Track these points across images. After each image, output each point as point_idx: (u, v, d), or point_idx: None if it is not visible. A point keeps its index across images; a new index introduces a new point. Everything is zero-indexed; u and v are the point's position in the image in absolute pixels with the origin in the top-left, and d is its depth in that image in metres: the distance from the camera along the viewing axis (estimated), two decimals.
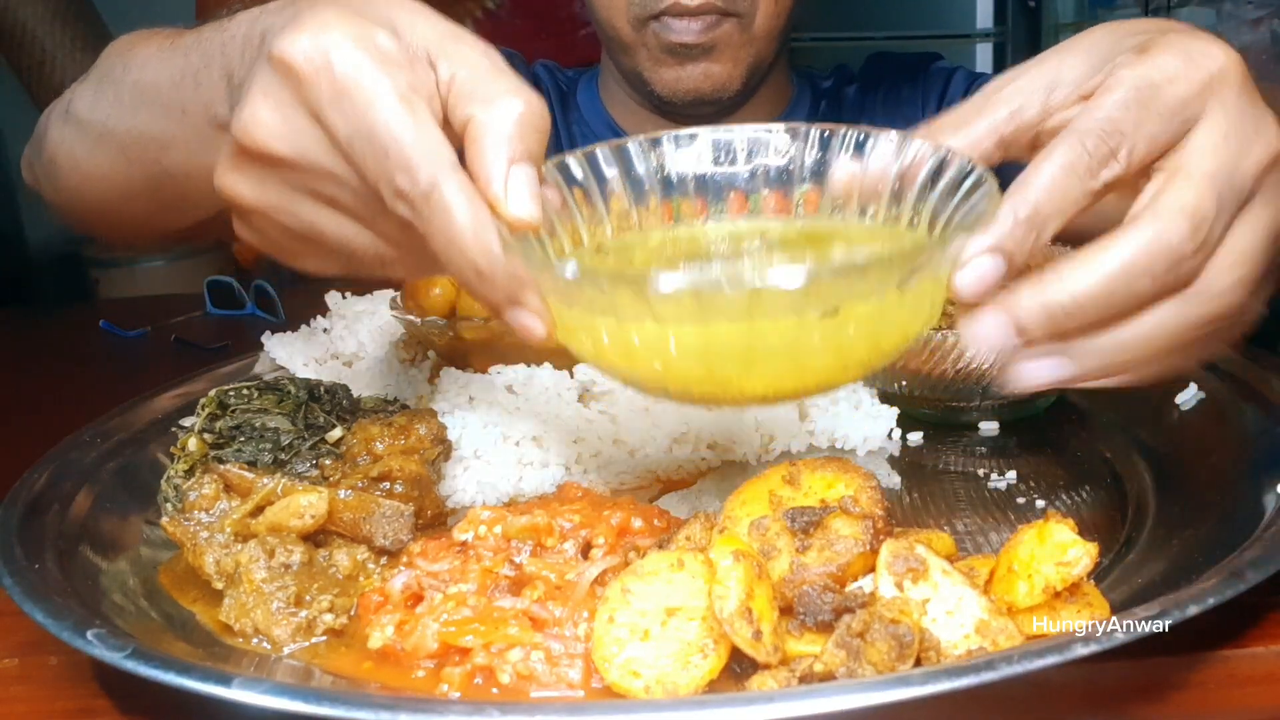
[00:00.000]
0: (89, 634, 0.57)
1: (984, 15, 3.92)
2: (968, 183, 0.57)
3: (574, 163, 0.63)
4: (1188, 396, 0.84)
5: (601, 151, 0.64)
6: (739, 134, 0.65)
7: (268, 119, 0.60)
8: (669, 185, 0.65)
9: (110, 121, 0.85)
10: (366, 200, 0.60)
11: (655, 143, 0.65)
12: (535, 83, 1.46)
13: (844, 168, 0.63)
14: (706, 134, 0.65)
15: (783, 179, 0.65)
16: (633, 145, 0.65)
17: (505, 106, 0.58)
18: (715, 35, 1.25)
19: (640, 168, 0.65)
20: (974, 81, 1.42)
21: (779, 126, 0.65)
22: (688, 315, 0.52)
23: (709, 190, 0.66)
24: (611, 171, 0.64)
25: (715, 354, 0.54)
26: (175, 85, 0.76)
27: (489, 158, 0.57)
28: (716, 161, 0.65)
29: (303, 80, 0.58)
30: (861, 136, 0.63)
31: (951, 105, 1.30)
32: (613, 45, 1.34)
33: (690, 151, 0.65)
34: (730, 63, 1.27)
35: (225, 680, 0.52)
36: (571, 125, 1.46)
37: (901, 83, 1.46)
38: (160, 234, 0.97)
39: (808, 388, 0.59)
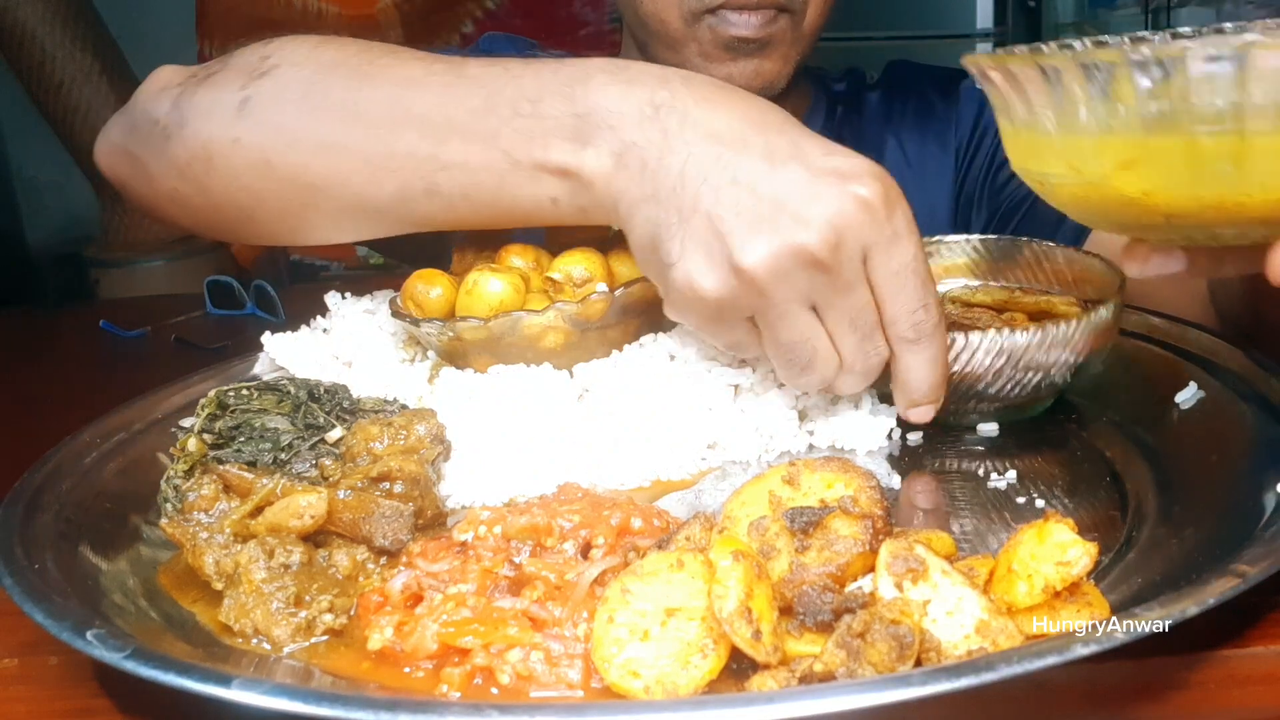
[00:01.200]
0: (89, 634, 0.57)
1: (984, 15, 3.92)
2: None
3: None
4: (1188, 396, 0.84)
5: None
6: None
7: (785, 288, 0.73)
8: None
9: (343, 137, 0.85)
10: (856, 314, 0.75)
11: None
12: None
13: None
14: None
15: None
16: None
17: None
18: (772, 31, 1.23)
19: None
20: None
21: None
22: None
23: None
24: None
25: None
26: (477, 113, 0.80)
27: None
28: None
29: (834, 256, 0.72)
30: None
31: (985, 130, 1.36)
32: (657, 41, 1.30)
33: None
34: (781, 60, 1.26)
35: (225, 680, 0.52)
36: None
37: (932, 97, 1.44)
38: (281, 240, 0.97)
39: None
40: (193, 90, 0.93)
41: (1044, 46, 0.66)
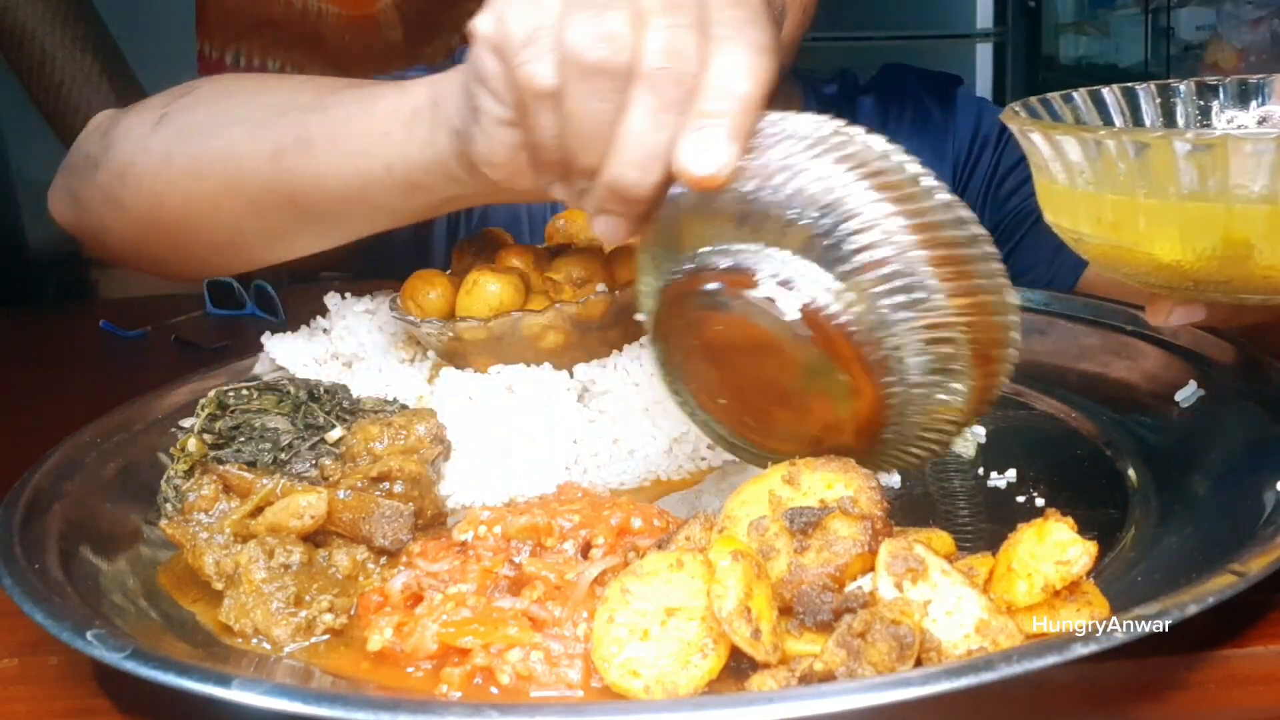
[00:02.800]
0: (89, 634, 0.57)
1: (984, 15, 3.92)
2: None
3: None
4: (1188, 394, 0.84)
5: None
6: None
7: None
8: None
9: (238, 115, 0.87)
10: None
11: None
12: None
13: None
14: None
15: None
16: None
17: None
18: None
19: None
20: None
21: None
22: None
23: None
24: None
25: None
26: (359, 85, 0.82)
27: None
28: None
29: None
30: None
31: (985, 142, 1.33)
32: None
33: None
34: None
35: (225, 681, 0.52)
36: None
37: (928, 103, 1.43)
38: (237, 261, 0.98)
39: None
40: (119, 120, 0.96)
41: (1073, 97, 0.71)
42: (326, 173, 0.82)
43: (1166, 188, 0.59)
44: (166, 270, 1.03)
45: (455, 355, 0.92)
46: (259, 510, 0.70)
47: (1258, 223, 0.58)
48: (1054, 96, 0.72)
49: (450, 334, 0.90)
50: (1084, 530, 0.57)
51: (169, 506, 0.76)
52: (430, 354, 0.97)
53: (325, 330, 1.03)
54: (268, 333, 1.03)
